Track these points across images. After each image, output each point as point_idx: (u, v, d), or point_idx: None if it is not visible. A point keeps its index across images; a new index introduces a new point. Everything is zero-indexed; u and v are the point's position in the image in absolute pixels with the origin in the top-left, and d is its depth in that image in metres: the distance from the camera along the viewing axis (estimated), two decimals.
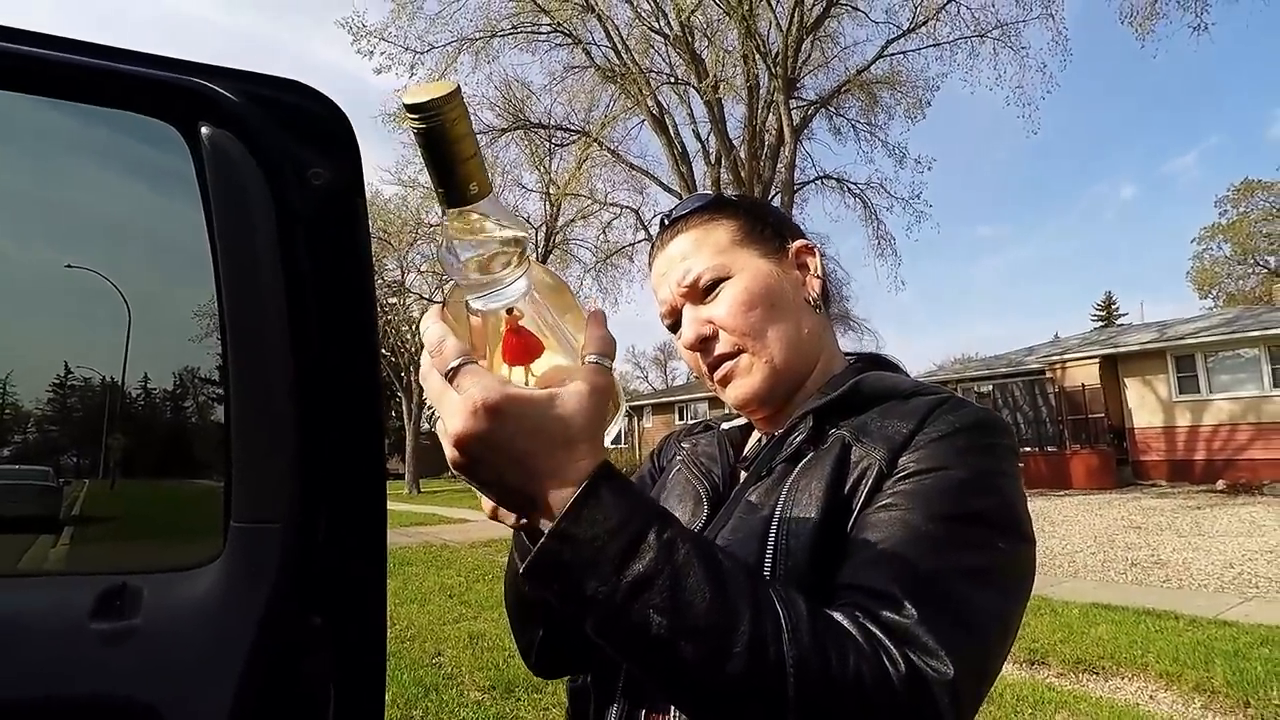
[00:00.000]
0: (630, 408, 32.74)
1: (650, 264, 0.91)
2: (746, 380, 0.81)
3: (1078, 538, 9.40)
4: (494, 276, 0.52)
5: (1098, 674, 4.42)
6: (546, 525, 0.51)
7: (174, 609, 0.56)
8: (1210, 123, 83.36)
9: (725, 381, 0.82)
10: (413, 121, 0.46)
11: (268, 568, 0.55)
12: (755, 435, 0.91)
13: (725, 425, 0.93)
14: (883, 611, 0.56)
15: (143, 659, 0.55)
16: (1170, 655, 4.53)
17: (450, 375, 0.51)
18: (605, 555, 0.50)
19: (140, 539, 0.99)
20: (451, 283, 0.54)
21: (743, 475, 0.84)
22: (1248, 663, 4.32)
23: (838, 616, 0.56)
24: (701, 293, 0.82)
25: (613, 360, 0.54)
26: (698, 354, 0.83)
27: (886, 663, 0.53)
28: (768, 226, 0.86)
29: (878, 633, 0.54)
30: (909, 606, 0.56)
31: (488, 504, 0.65)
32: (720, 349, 0.81)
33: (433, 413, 0.53)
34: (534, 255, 0.55)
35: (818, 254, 0.88)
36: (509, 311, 0.54)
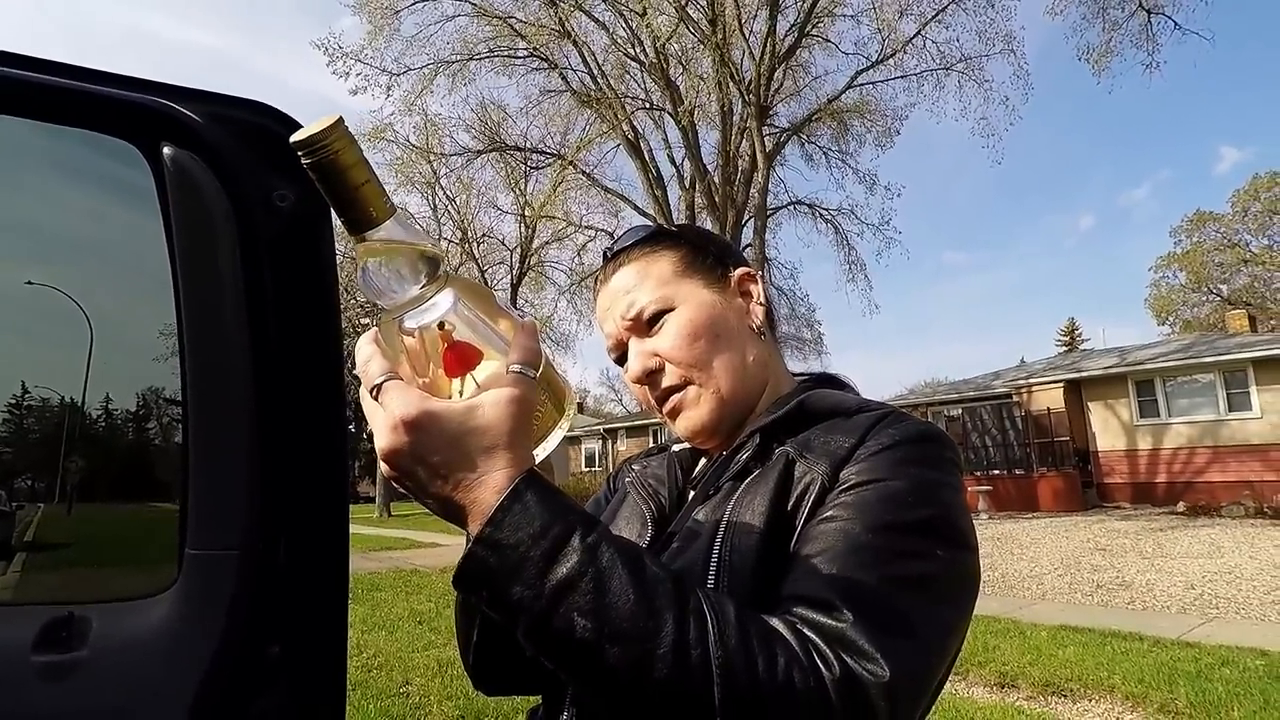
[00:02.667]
0: (604, 430, 32.57)
1: (594, 298, 0.91)
2: (695, 412, 0.81)
3: (1046, 560, 9.53)
4: (415, 294, 0.53)
5: (1066, 696, 4.45)
6: (471, 531, 0.52)
7: (124, 640, 0.54)
8: (1160, 157, 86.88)
9: (674, 414, 0.83)
10: (302, 158, 0.48)
11: (224, 596, 0.53)
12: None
13: (676, 447, 0.94)
14: (817, 616, 0.56)
15: (88, 694, 0.52)
16: (1136, 676, 4.58)
17: (374, 392, 0.52)
18: (529, 559, 0.51)
19: (95, 566, 0.96)
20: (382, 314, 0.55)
21: (691, 495, 0.84)
22: (1210, 683, 4.39)
23: (772, 622, 0.56)
24: (646, 325, 0.82)
25: (537, 370, 0.56)
26: (645, 387, 0.83)
27: (820, 665, 0.53)
28: (709, 256, 0.87)
29: (812, 635, 0.55)
30: (845, 611, 0.56)
31: None
32: (667, 381, 0.81)
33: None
34: (450, 267, 0.56)
35: (759, 281, 0.89)
36: (441, 326, 0.54)
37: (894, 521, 0.63)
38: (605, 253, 0.90)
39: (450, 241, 23.57)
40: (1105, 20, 15.14)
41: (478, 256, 23.24)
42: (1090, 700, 4.38)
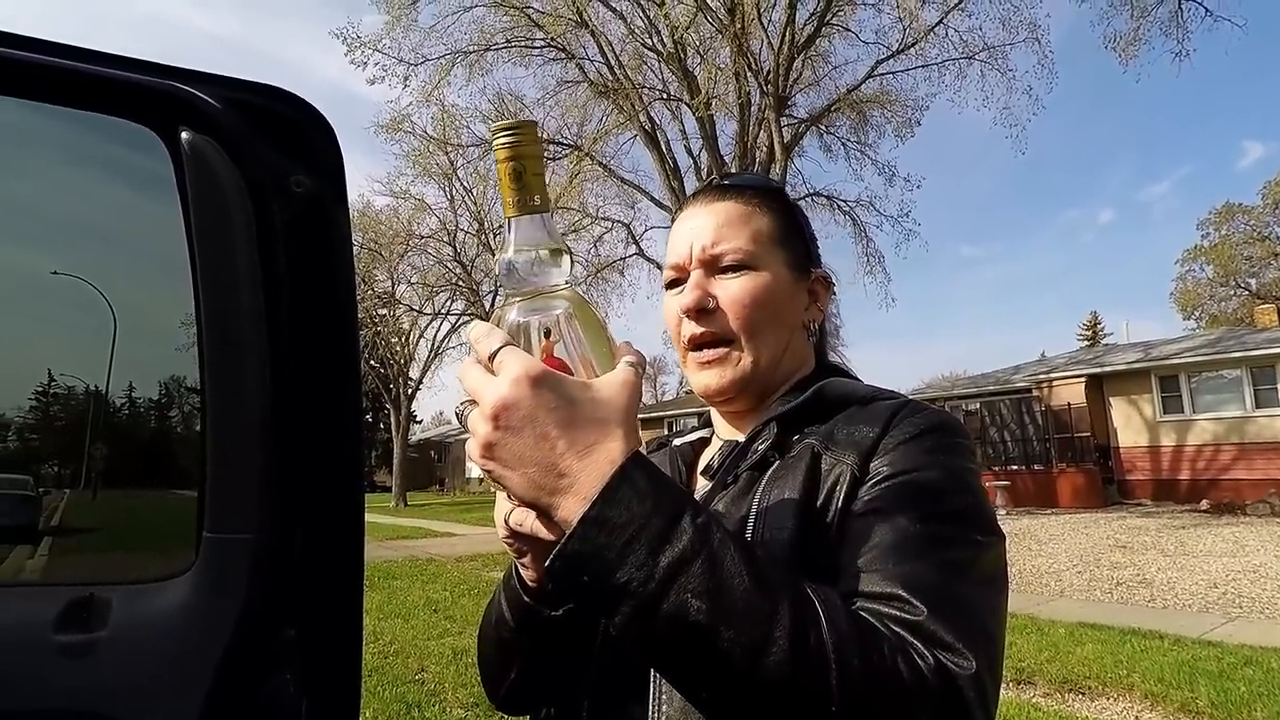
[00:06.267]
0: None
1: (681, 209, 0.89)
2: (726, 371, 0.80)
3: (1064, 557, 9.43)
4: (537, 289, 0.57)
5: (1084, 694, 4.41)
6: (572, 511, 0.50)
7: (143, 621, 0.55)
8: (1183, 152, 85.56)
9: (704, 364, 0.81)
10: (504, 137, 0.55)
11: (240, 579, 0.54)
12: (710, 447, 0.90)
13: (677, 441, 0.93)
14: (894, 610, 0.56)
15: (108, 673, 0.53)
16: (1155, 675, 4.53)
17: (492, 357, 0.52)
18: (640, 539, 0.49)
19: (119, 550, 0.97)
20: (501, 298, 0.59)
21: (700, 483, 0.83)
22: (1232, 683, 4.33)
23: (861, 613, 0.55)
24: (721, 269, 0.81)
25: (644, 371, 0.56)
26: (687, 321, 0.81)
27: (916, 656, 0.52)
28: (804, 240, 0.87)
29: (898, 629, 0.54)
30: (918, 604, 0.56)
31: (500, 513, 0.65)
32: (714, 328, 0.80)
33: (464, 406, 0.54)
34: (576, 284, 0.59)
35: (831, 291, 0.89)
36: (546, 335, 0.56)
37: (935, 511, 0.64)
38: (717, 178, 0.90)
39: (467, 233, 23.67)
40: (1134, 6, 14.80)
41: (494, 247, 23.30)
42: (1108, 698, 4.33)
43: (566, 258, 0.58)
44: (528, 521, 0.62)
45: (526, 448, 0.51)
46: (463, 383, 0.54)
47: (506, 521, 0.66)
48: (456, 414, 0.56)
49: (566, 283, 0.58)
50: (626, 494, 0.50)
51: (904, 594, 0.56)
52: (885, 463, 0.68)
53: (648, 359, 0.60)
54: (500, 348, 0.52)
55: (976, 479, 0.70)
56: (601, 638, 0.74)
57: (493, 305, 24.37)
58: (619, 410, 0.52)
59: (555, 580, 0.51)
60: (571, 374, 0.56)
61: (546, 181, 0.58)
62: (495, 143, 0.55)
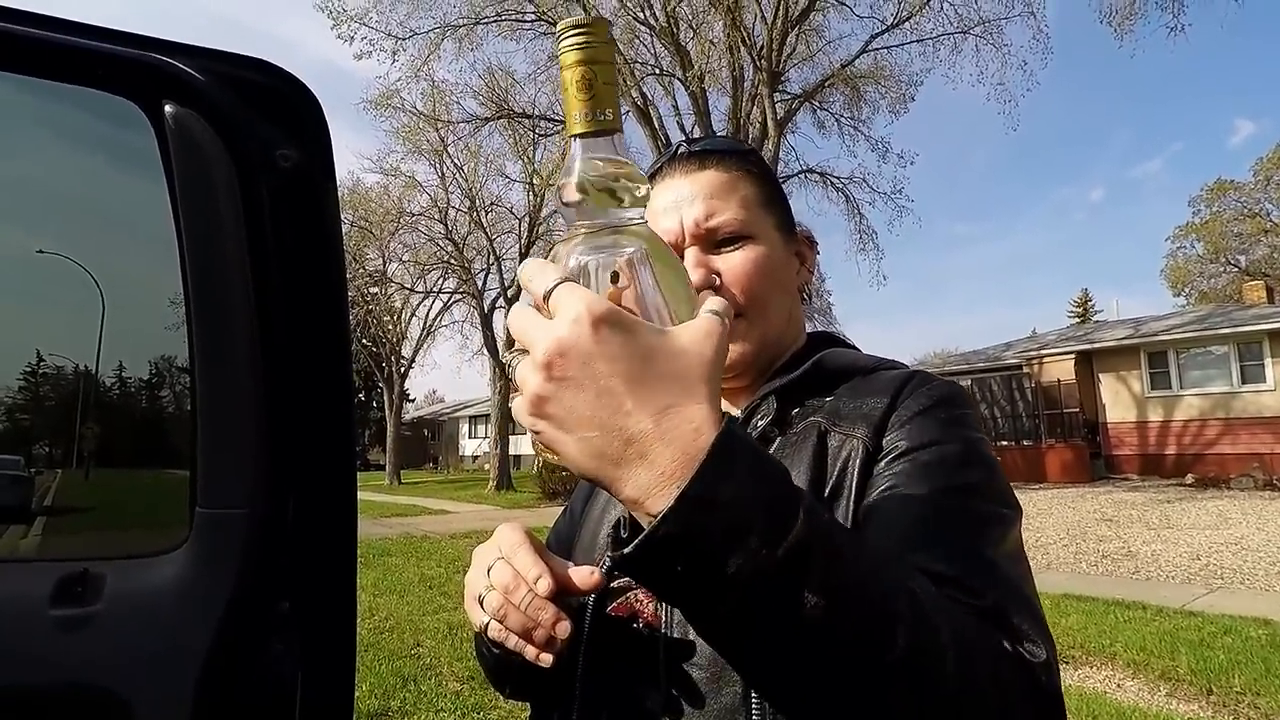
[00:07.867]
0: None
1: (653, 179, 0.82)
2: (738, 345, 0.77)
3: (1052, 530, 9.56)
4: (605, 224, 0.48)
5: (1068, 663, 4.50)
6: (644, 487, 0.42)
7: (137, 595, 0.56)
8: (1174, 130, 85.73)
9: None
10: (574, 37, 0.47)
11: (233, 553, 0.54)
12: None
13: None
14: (959, 596, 0.52)
15: (103, 646, 0.54)
16: (1138, 645, 4.63)
17: (547, 297, 0.44)
18: (754, 522, 0.40)
19: (112, 528, 0.98)
20: (561, 237, 0.50)
21: None
22: (1211, 651, 4.43)
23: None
24: (718, 242, 0.77)
25: (728, 323, 0.47)
26: None
27: (1009, 646, 0.50)
28: (784, 201, 0.85)
29: (969, 616, 0.50)
30: (980, 589, 0.53)
31: (476, 621, 0.62)
32: None
33: (513, 356, 0.46)
34: (646, 221, 0.50)
35: (815, 251, 0.88)
36: (614, 280, 0.47)
37: (964, 484, 0.62)
38: (688, 142, 0.84)
39: (459, 210, 23.46)
40: None
41: (486, 225, 23.11)
42: (1092, 667, 4.43)
43: (644, 187, 0.48)
44: (510, 639, 0.60)
45: (586, 405, 0.42)
46: (511, 327, 0.46)
47: (484, 633, 0.63)
48: (503, 364, 0.47)
49: (642, 219, 0.49)
50: (731, 466, 0.41)
51: (963, 578, 0.53)
52: (901, 436, 0.65)
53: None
54: (556, 284, 0.44)
55: (991, 451, 0.68)
56: (583, 668, 0.69)
57: (484, 284, 24.25)
58: (702, 365, 0.43)
59: (634, 568, 0.42)
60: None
61: (618, 98, 0.48)
62: (563, 44, 0.47)
